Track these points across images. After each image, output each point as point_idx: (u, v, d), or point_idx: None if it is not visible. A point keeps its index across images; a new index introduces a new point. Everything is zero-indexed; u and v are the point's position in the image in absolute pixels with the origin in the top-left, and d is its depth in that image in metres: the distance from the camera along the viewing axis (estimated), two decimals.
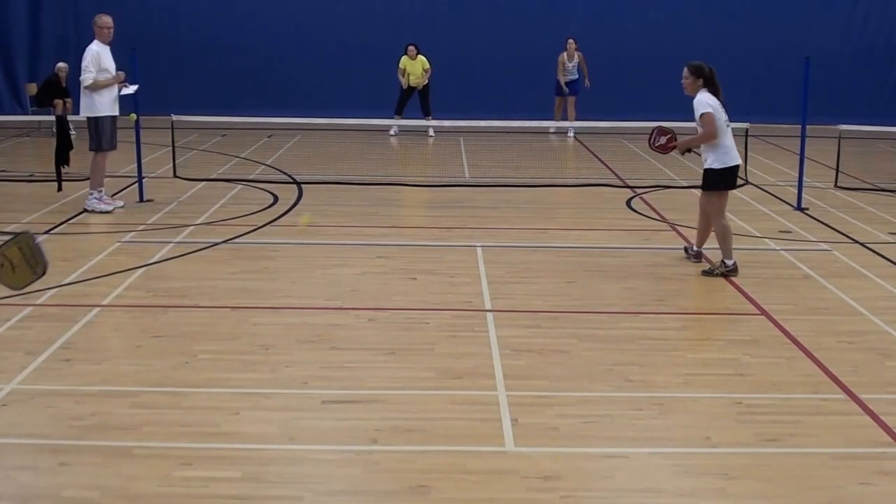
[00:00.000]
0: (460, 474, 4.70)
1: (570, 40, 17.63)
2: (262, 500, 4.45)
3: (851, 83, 19.91)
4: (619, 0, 20.34)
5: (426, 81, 17.39)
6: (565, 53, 17.62)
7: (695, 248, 8.79)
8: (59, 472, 4.66)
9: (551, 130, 17.99)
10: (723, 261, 8.32)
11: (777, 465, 4.89)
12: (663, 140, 8.71)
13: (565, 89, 17.61)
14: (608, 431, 5.24)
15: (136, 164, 11.39)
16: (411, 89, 17.36)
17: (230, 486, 4.55)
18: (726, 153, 8.22)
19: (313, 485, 4.60)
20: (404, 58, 17.36)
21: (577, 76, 17.70)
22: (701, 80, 8.21)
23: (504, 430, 5.20)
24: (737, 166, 8.30)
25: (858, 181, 13.17)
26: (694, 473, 4.79)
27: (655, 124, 11.99)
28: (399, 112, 17.31)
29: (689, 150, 8.67)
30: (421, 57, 17.32)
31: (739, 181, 12.82)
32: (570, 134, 17.81)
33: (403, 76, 17.31)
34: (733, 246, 8.39)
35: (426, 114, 17.34)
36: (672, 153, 8.85)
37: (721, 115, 8.14)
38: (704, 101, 8.12)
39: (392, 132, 17.67)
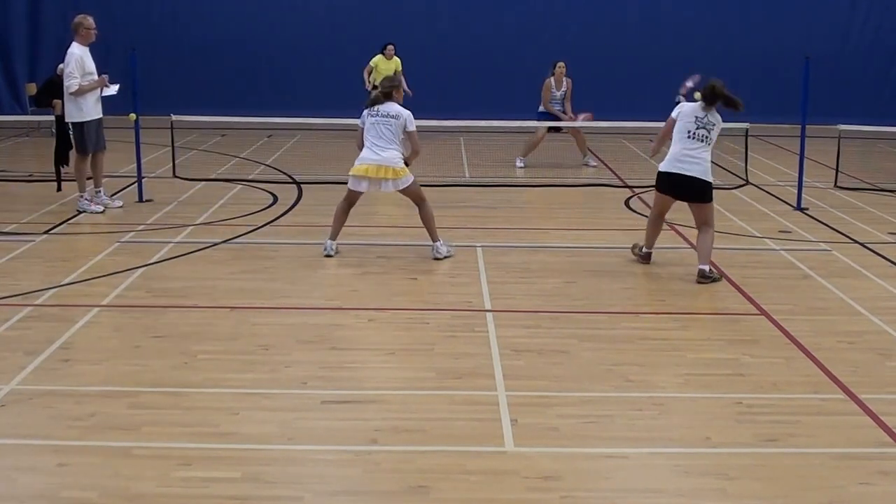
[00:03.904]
0: (460, 474, 4.70)
1: (560, 64, 14.41)
2: (261, 500, 4.45)
3: (851, 83, 19.88)
4: (618, 1, 20.32)
5: None
6: (552, 79, 14.39)
7: (699, 266, 8.71)
8: (59, 473, 4.66)
9: (593, 164, 14.69)
10: (642, 245, 8.75)
11: (777, 465, 4.89)
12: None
13: (563, 115, 14.36)
14: (608, 431, 5.24)
15: (135, 164, 11.38)
16: None
17: (230, 486, 4.55)
18: (667, 159, 8.35)
19: (313, 485, 4.59)
20: (379, 57, 16.84)
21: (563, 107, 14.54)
22: (700, 94, 8.51)
23: (504, 430, 5.20)
24: (667, 174, 8.28)
25: (858, 181, 13.17)
26: (694, 473, 4.78)
27: (655, 124, 11.99)
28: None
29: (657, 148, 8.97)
30: (396, 58, 16.97)
31: (739, 181, 12.92)
32: (592, 163, 14.80)
33: (370, 75, 16.79)
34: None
35: None
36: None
37: (687, 124, 8.23)
38: (681, 104, 8.61)
39: None
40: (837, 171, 12.82)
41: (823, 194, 12.24)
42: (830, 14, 20.27)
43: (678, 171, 8.18)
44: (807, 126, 11.21)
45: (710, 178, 8.24)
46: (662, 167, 8.33)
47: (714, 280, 8.18)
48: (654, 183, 8.50)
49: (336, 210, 8.91)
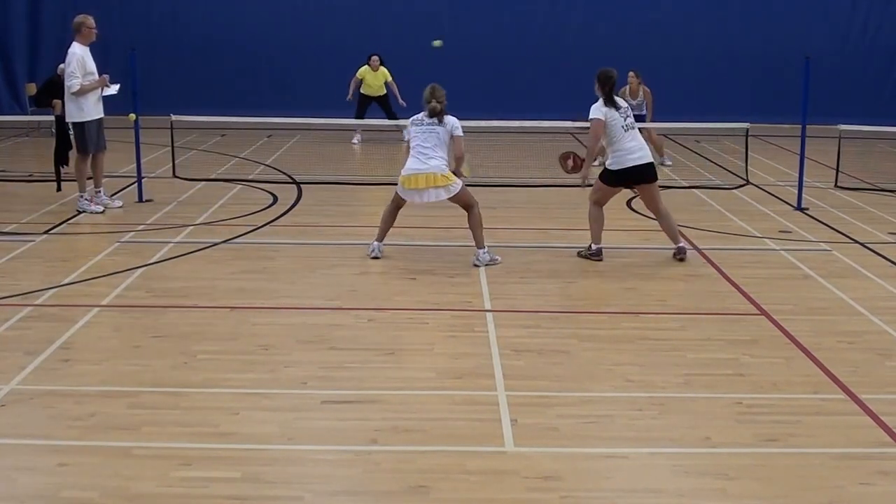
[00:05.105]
0: (460, 474, 4.70)
1: (631, 74, 14.28)
2: (261, 500, 4.45)
3: (851, 83, 19.89)
4: (618, 0, 20.32)
5: (384, 91, 16.74)
6: (627, 88, 14.23)
7: (676, 246, 8.81)
8: (59, 473, 4.65)
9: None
10: (590, 244, 8.85)
11: (777, 465, 4.89)
12: (570, 164, 9.30)
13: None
14: (608, 431, 5.24)
15: (135, 164, 11.38)
16: (369, 98, 16.74)
17: (229, 486, 4.55)
18: (622, 156, 8.61)
19: (313, 485, 4.59)
20: (365, 68, 16.66)
21: (643, 112, 14.18)
22: (605, 88, 8.62)
23: (504, 430, 5.20)
24: (637, 167, 8.61)
25: (858, 181, 13.17)
26: (694, 473, 4.78)
27: (655, 124, 11.97)
28: (361, 117, 16.61)
29: (590, 165, 9.01)
30: (383, 69, 16.68)
31: (739, 181, 12.92)
32: (668, 162, 14.60)
33: (357, 87, 16.70)
34: (603, 232, 8.90)
35: (393, 118, 16.45)
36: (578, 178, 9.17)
37: (615, 122, 8.56)
38: (596, 108, 8.62)
39: (356, 140, 16.97)
40: (838, 171, 12.82)
41: (823, 194, 12.23)
42: (830, 14, 20.28)
43: (637, 164, 8.59)
44: (807, 126, 11.21)
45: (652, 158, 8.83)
46: (619, 166, 8.62)
47: (686, 252, 8.81)
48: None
49: (383, 212, 8.90)
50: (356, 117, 16.56)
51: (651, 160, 8.71)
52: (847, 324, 7.12)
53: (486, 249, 8.66)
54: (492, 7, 20.28)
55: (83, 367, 6.01)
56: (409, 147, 8.74)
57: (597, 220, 8.85)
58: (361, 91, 16.80)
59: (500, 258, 8.70)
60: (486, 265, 8.55)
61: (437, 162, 8.54)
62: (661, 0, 20.27)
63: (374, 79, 16.72)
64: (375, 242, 8.78)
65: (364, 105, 16.86)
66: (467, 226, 9.64)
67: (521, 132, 17.00)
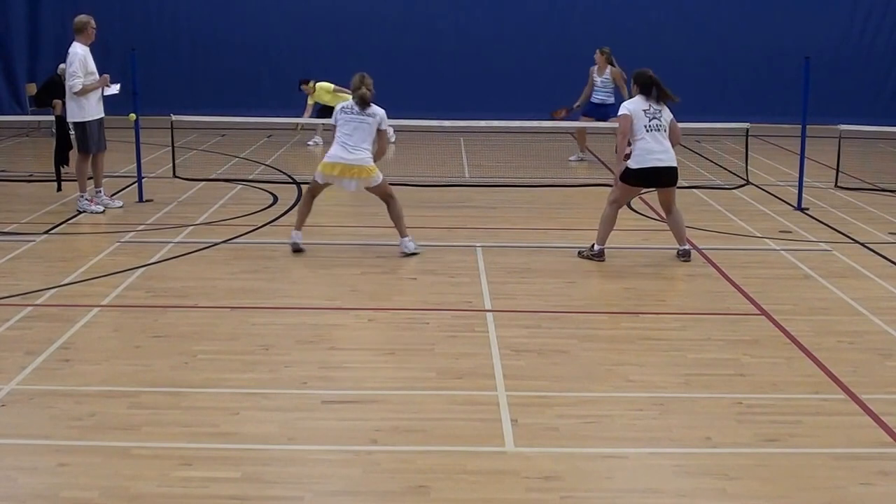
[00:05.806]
0: (460, 474, 4.70)
1: (597, 52, 14.29)
2: (261, 500, 4.45)
3: (851, 83, 19.89)
4: (619, 0, 20.33)
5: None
6: (595, 67, 14.28)
7: (680, 248, 8.82)
8: (59, 473, 4.65)
9: (572, 159, 15.13)
10: (593, 244, 8.81)
11: (777, 465, 4.89)
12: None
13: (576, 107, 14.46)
14: (608, 431, 5.24)
15: (135, 164, 11.38)
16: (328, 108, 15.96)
17: (230, 486, 4.55)
18: (641, 155, 8.54)
19: (313, 485, 4.59)
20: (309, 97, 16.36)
21: (611, 99, 14.10)
22: (636, 87, 8.75)
23: (504, 430, 5.20)
24: (655, 168, 8.53)
25: (858, 181, 13.16)
26: (694, 473, 4.78)
27: None
28: (316, 116, 16.06)
29: (622, 160, 8.82)
30: (320, 85, 16.15)
31: (739, 181, 12.92)
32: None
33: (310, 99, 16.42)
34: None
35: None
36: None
37: (640, 121, 8.53)
38: (623, 105, 8.77)
39: (311, 143, 16.40)
40: (838, 171, 12.81)
41: (824, 194, 12.23)
42: (830, 14, 20.27)
43: (656, 165, 8.52)
44: (807, 126, 11.21)
45: (676, 163, 8.69)
46: (638, 164, 8.53)
47: (690, 253, 8.80)
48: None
49: (301, 200, 9.07)
50: (315, 116, 16.07)
51: (674, 164, 8.58)
52: (847, 324, 7.12)
53: (409, 237, 8.85)
54: (492, 7, 20.28)
55: (83, 367, 6.01)
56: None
57: (609, 222, 8.77)
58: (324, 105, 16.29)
59: (422, 248, 8.86)
60: (413, 253, 8.74)
61: (363, 155, 8.66)
62: (661, 0, 20.26)
63: (319, 98, 16.20)
64: (295, 231, 8.93)
65: (325, 113, 16.04)
66: (468, 226, 9.69)
67: (521, 132, 16.99)
